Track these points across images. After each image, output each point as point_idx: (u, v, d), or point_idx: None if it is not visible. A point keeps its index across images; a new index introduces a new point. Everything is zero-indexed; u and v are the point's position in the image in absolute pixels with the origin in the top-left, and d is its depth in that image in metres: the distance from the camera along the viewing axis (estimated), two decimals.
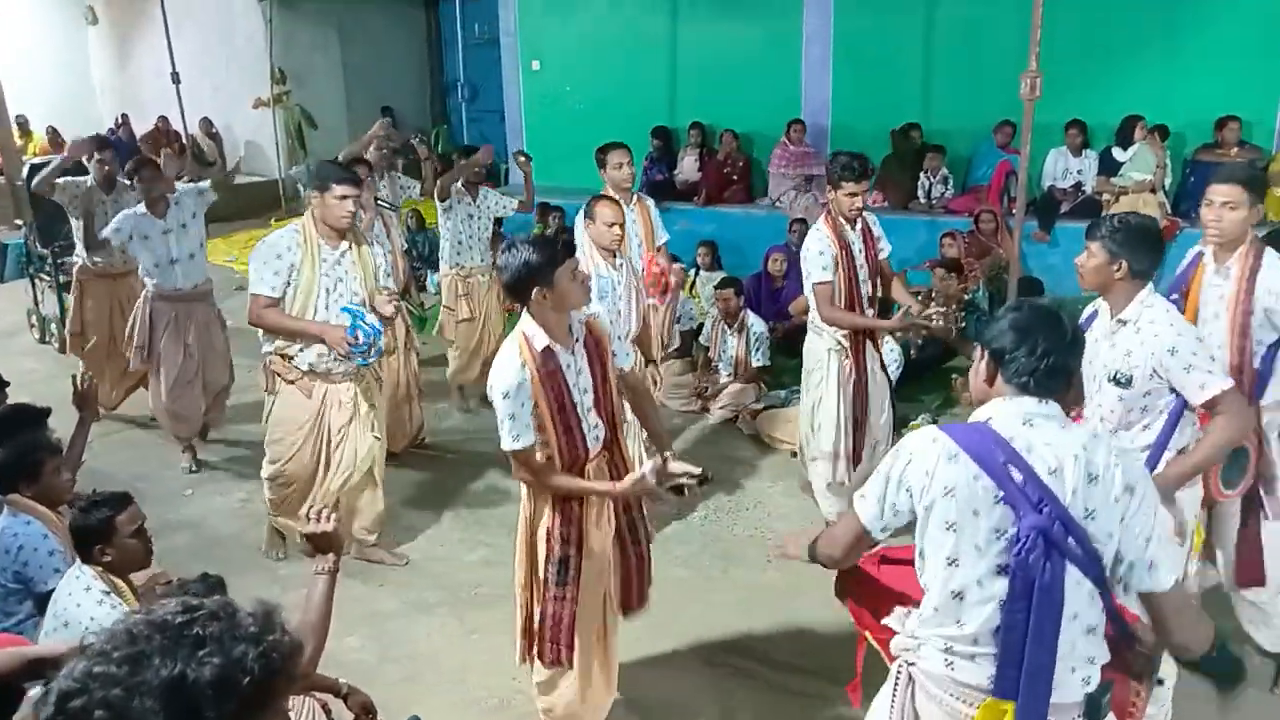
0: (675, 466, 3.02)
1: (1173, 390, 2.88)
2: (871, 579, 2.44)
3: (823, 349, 4.61)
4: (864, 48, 9.66)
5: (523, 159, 7.01)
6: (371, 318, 4.16)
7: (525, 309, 2.98)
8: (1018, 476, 1.95)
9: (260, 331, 4.29)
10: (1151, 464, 2.91)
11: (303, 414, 4.31)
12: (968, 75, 9.13)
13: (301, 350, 4.23)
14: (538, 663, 3.21)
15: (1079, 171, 8.69)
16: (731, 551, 4.67)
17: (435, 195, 6.17)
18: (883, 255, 4.68)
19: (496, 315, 6.49)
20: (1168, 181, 8.30)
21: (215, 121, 13.57)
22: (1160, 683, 2.38)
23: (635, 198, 5.22)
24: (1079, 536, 1.93)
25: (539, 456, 3.01)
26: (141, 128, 14.01)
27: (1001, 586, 1.97)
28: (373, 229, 5.50)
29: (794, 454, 5.70)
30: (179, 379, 5.53)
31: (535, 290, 2.89)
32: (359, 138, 6.69)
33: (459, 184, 6.21)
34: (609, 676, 3.35)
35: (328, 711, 2.83)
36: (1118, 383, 2.93)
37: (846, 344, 4.54)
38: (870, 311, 4.57)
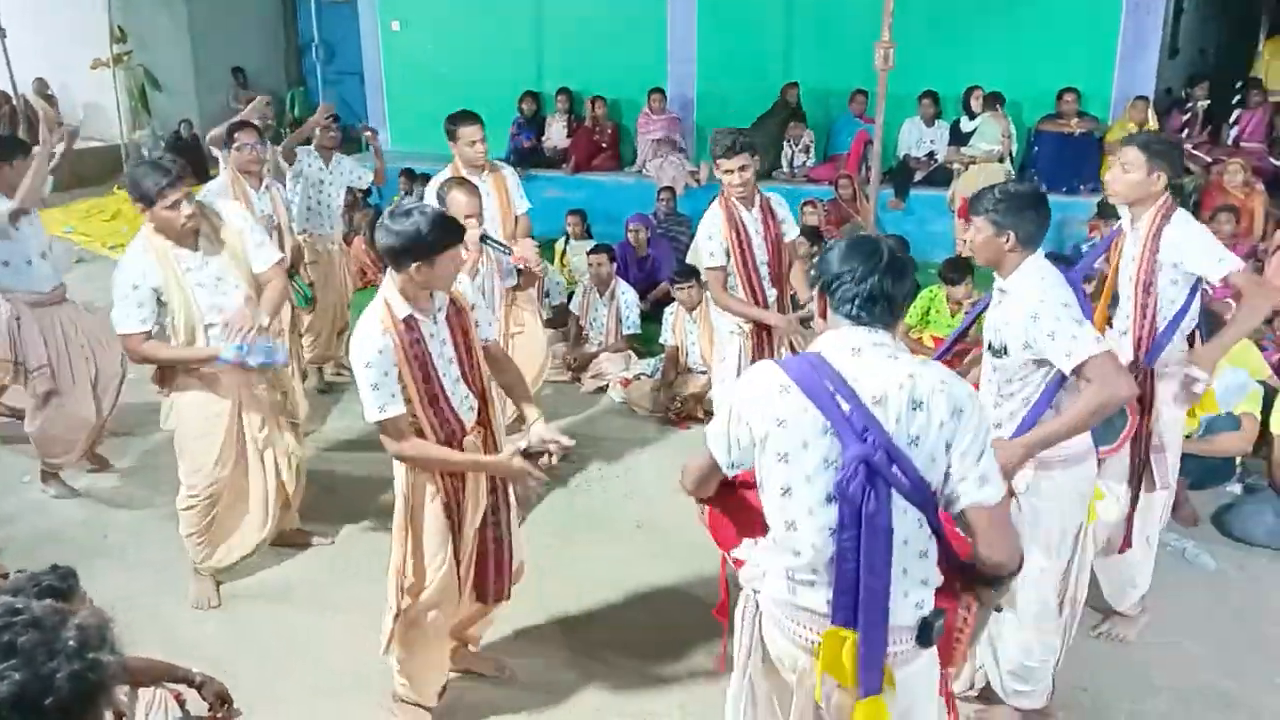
0: (545, 432, 3.05)
1: (1044, 364, 2.79)
2: (736, 491, 2.39)
3: (725, 330, 4.46)
4: (728, 15, 9.75)
5: (370, 133, 6.78)
6: (264, 342, 3.72)
7: (390, 275, 2.90)
8: (845, 406, 1.98)
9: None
10: (1022, 433, 2.85)
11: (214, 413, 3.84)
12: (828, 45, 9.34)
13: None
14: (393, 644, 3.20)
15: (932, 141, 9.03)
16: (601, 518, 4.70)
17: (282, 158, 5.90)
18: (787, 238, 4.40)
19: (347, 285, 6.33)
20: (1014, 149, 8.70)
21: (50, 82, 12.68)
22: (999, 609, 2.44)
23: (489, 167, 4.89)
24: (903, 464, 1.97)
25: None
26: None
27: (832, 515, 2.01)
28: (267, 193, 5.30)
29: (664, 422, 5.79)
30: (66, 393, 4.75)
31: (413, 264, 2.80)
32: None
33: (311, 147, 6.03)
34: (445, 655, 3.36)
35: (181, 703, 2.72)
36: (993, 350, 2.91)
37: (747, 327, 4.34)
38: (773, 293, 4.33)
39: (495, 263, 4.67)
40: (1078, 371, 2.68)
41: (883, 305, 2.05)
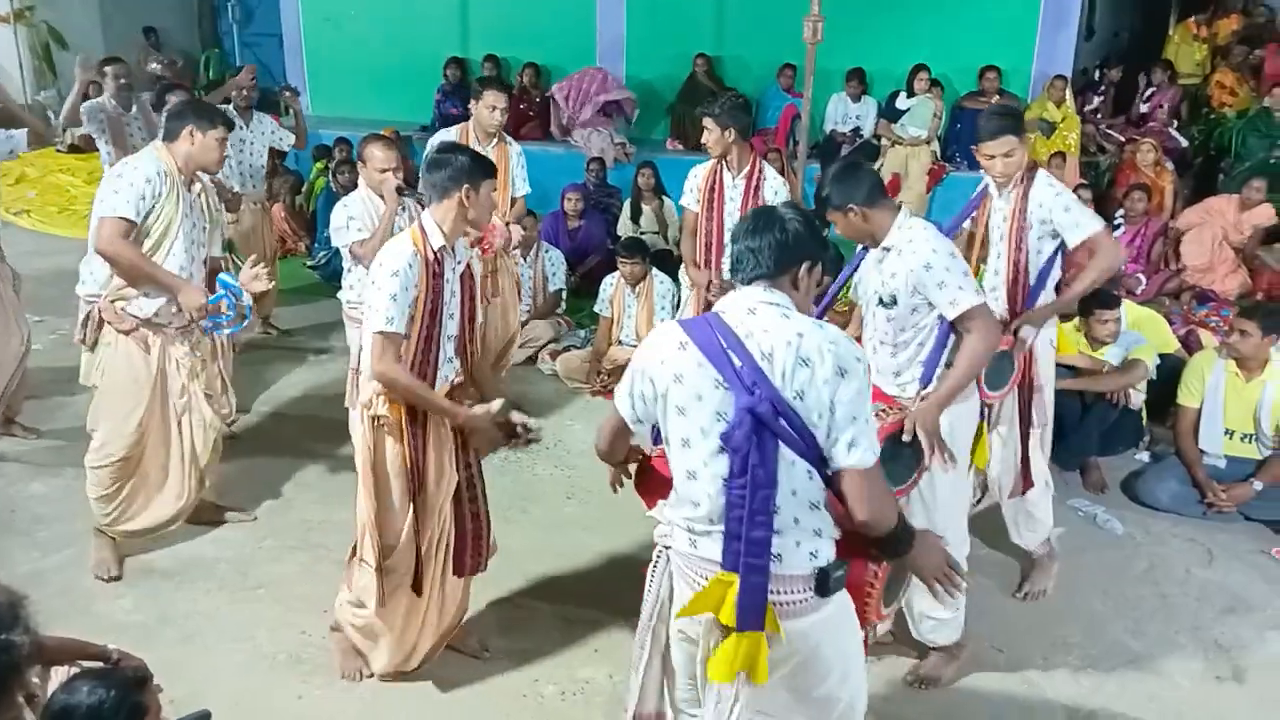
0: (518, 416, 3.18)
1: (934, 306, 3.00)
2: (657, 471, 2.49)
3: (687, 287, 4.60)
4: None
5: (289, 94, 6.73)
6: (247, 296, 3.76)
7: (428, 212, 2.95)
8: (737, 362, 2.08)
9: (87, 272, 3.92)
10: (926, 380, 3.06)
11: (142, 373, 3.74)
12: (757, 18, 9.31)
13: (143, 296, 3.68)
14: (356, 607, 3.21)
15: (857, 117, 9.11)
16: (532, 491, 4.68)
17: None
18: None
19: (268, 247, 6.28)
20: (940, 132, 8.83)
21: None
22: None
23: (499, 138, 4.98)
24: (789, 417, 2.05)
25: None
26: None
27: (724, 465, 2.10)
28: None
29: (593, 393, 5.77)
30: None
31: (464, 188, 2.89)
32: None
33: (229, 107, 5.88)
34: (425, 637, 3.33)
35: None
36: (883, 303, 3.07)
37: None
38: (726, 262, 4.31)
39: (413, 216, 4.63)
40: (960, 319, 2.93)
41: (749, 259, 2.19)
